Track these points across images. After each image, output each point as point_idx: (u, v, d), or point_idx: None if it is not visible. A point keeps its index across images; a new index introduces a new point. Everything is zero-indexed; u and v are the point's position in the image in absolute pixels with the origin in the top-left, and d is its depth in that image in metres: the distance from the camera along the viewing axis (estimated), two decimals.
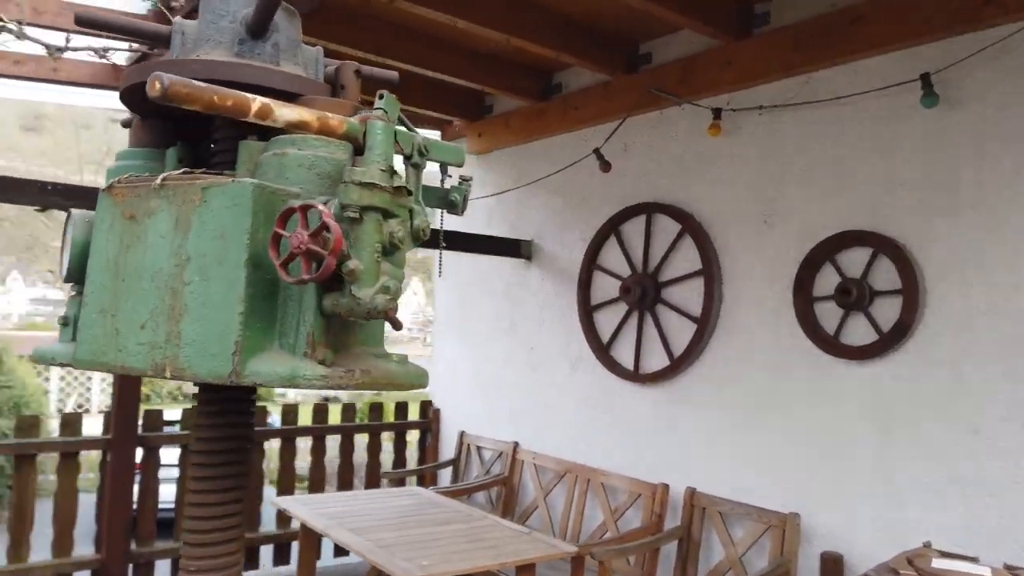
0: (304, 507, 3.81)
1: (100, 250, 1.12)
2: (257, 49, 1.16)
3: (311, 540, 3.97)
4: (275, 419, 5.36)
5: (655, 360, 4.26)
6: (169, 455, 4.96)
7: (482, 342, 5.49)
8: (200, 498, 1.18)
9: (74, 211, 1.15)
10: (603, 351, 4.54)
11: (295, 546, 4.85)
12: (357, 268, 1.00)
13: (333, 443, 5.41)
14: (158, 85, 0.75)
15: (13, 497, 4.15)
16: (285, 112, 0.88)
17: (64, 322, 1.21)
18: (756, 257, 3.82)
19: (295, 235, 0.95)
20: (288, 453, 5.05)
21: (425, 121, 5.77)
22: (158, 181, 1.07)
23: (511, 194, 5.29)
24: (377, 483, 5.29)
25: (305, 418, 5.20)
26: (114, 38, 3.71)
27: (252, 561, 4.80)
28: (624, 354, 4.46)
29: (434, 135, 6.03)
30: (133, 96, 1.16)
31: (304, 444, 5.25)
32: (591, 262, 4.69)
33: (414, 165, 1.13)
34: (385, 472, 5.26)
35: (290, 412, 5.12)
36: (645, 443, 4.26)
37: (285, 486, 4.99)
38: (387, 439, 6.07)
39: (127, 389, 4.44)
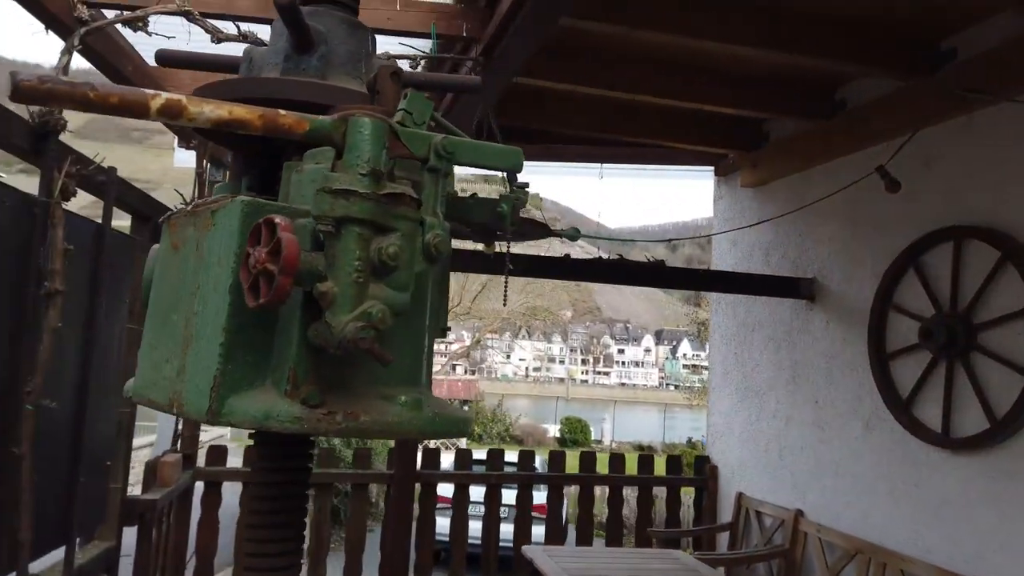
0: (548, 559, 3.68)
1: (156, 282, 1.12)
2: (303, 64, 1.10)
3: None
4: (541, 463, 5.37)
5: (970, 421, 3.40)
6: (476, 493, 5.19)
7: (761, 394, 4.93)
8: (252, 545, 1.11)
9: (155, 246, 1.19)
10: (902, 408, 3.76)
11: None
12: (330, 291, 0.85)
13: (602, 493, 5.23)
14: (9, 82, 0.69)
15: (312, 519, 4.66)
16: (206, 110, 0.77)
17: None
18: None
19: (255, 252, 0.84)
20: (555, 499, 5.00)
21: (694, 158, 5.47)
22: (189, 207, 1.05)
23: (792, 227, 4.73)
24: (647, 540, 4.97)
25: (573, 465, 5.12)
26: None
27: None
28: (929, 413, 3.64)
29: (706, 172, 5.69)
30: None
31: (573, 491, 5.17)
32: (884, 301, 3.96)
33: (431, 170, 0.96)
34: (654, 530, 4.93)
35: (557, 458, 5.09)
36: (960, 526, 3.39)
37: (550, 535, 4.92)
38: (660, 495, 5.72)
39: None
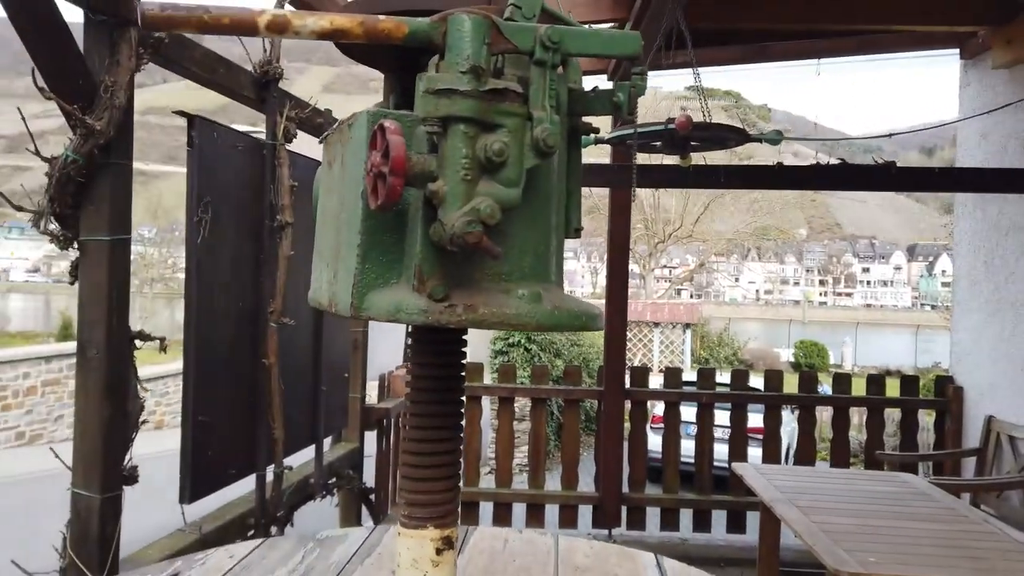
0: (760, 476, 3.59)
1: (319, 198, 1.24)
2: None
3: (772, 515, 3.71)
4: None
5: None
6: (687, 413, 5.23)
7: (1017, 307, 4.31)
8: (414, 434, 1.22)
9: None
10: None
11: (750, 516, 4.65)
12: (440, 189, 0.89)
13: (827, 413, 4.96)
14: (137, 14, 0.79)
15: (531, 432, 4.93)
16: (309, 22, 0.82)
17: None
18: None
19: (371, 156, 0.90)
20: (772, 420, 4.83)
21: (932, 41, 4.77)
22: (336, 125, 1.13)
23: None
24: (877, 466, 4.65)
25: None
26: None
27: (704, 524, 4.79)
28: None
29: (952, 54, 4.95)
30: (347, 48, 1.23)
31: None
32: None
33: (538, 63, 0.94)
34: (885, 454, 4.59)
35: (773, 377, 4.89)
36: None
37: (767, 457, 4.78)
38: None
39: (614, 349, 4.83)
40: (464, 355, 1.23)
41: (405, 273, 0.99)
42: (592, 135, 1.30)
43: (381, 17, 0.87)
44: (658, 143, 3.37)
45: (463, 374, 1.23)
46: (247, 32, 0.80)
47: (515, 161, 0.91)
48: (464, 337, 1.23)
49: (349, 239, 1.01)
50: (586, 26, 1.00)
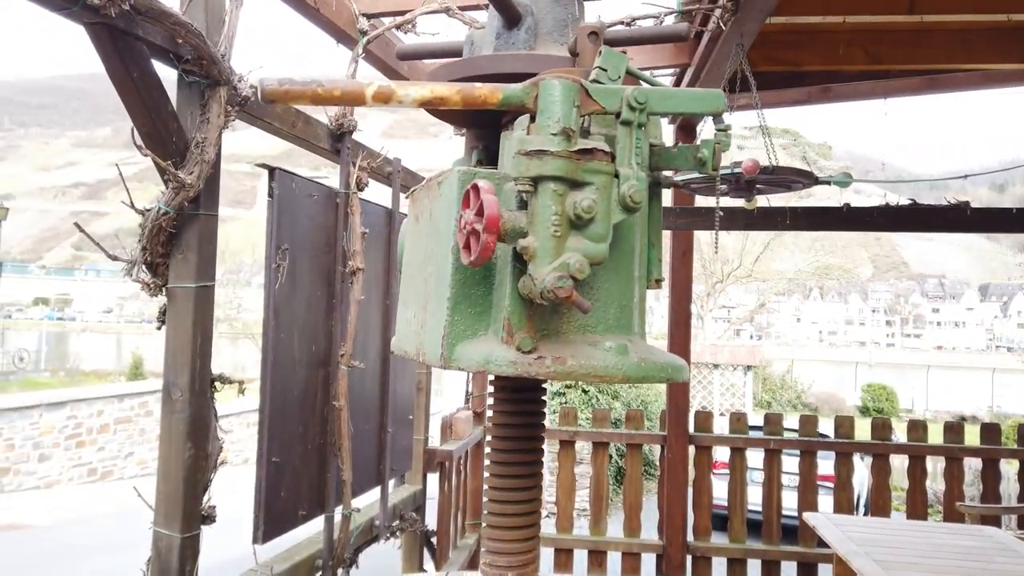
0: (834, 527, 3.47)
1: (406, 250, 1.29)
2: (512, 39, 1.17)
3: (846, 569, 3.58)
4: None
5: None
6: (755, 459, 5.10)
7: None
8: (496, 482, 1.23)
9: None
10: None
11: (822, 568, 4.48)
12: (531, 245, 0.92)
13: (900, 462, 4.77)
14: (256, 90, 0.84)
15: (592, 476, 4.88)
16: (412, 91, 0.87)
17: None
18: None
19: (464, 214, 0.94)
20: (843, 467, 4.67)
21: (1012, 77, 4.66)
22: (424, 182, 1.18)
23: None
24: (958, 518, 4.44)
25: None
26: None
27: (773, 573, 4.62)
28: None
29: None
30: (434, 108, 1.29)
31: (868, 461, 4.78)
32: None
33: (625, 123, 0.97)
34: (966, 505, 4.38)
35: (844, 423, 4.74)
36: None
37: (838, 506, 4.62)
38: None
39: (678, 392, 4.77)
40: (544, 404, 1.25)
41: (493, 325, 1.02)
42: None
43: (477, 85, 0.91)
44: (724, 186, 3.36)
45: (543, 424, 1.25)
46: (356, 102, 0.86)
47: (603, 217, 0.94)
48: (545, 387, 1.25)
49: (438, 291, 1.05)
50: (668, 85, 1.03)
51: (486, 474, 1.24)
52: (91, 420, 10.27)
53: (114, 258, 2.25)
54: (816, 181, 3.26)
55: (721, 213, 3.33)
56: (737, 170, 3.01)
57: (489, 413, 1.28)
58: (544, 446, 1.28)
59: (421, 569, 3.96)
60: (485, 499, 1.24)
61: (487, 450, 1.25)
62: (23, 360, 20.56)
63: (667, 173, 1.15)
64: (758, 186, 3.36)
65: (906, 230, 4.29)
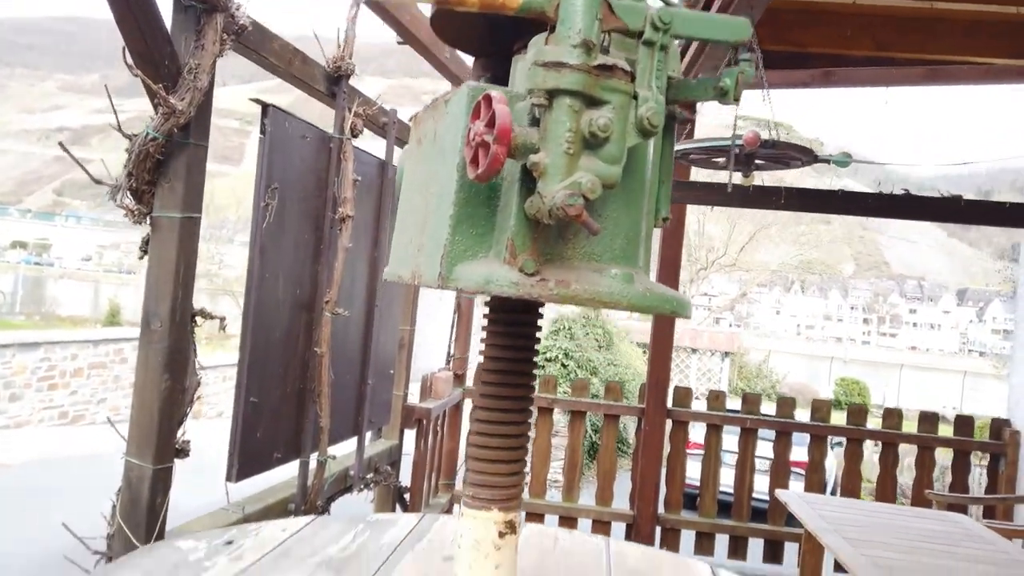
0: (805, 505, 3.50)
1: (405, 177, 1.25)
2: None
3: (814, 546, 3.62)
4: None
5: None
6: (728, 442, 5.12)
7: None
8: (484, 415, 1.21)
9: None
10: None
11: (788, 547, 4.54)
12: (542, 161, 0.89)
13: (872, 451, 4.82)
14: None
15: (568, 444, 4.89)
16: None
17: None
18: None
19: (473, 127, 0.90)
20: (817, 451, 4.72)
21: (1016, 73, 4.64)
22: (430, 103, 1.14)
23: None
24: (926, 504, 4.50)
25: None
26: None
27: (740, 552, 4.67)
28: None
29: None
30: (442, 29, 1.24)
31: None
32: None
33: (647, 43, 0.94)
34: (935, 493, 4.44)
35: (821, 408, 4.78)
36: None
37: (811, 486, 4.67)
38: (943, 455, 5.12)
39: (659, 367, 4.78)
40: (538, 339, 1.23)
41: (495, 247, 0.99)
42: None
43: None
44: (721, 159, 3.34)
45: (535, 359, 1.22)
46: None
47: (618, 138, 0.91)
48: (540, 320, 1.22)
49: (440, 211, 1.01)
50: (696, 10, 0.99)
51: (479, 391, 1.21)
52: (65, 363, 10.15)
53: (98, 182, 2.18)
54: (816, 159, 3.24)
55: (735, 177, 3.28)
56: (738, 142, 2.99)
57: (478, 357, 1.25)
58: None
59: None
60: (471, 431, 1.21)
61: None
62: None
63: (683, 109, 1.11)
64: (757, 161, 3.34)
65: (899, 217, 4.29)
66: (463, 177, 0.97)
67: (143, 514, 2.10)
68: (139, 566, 1.30)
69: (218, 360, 11.87)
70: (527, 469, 1.32)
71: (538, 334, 1.21)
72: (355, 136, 3.10)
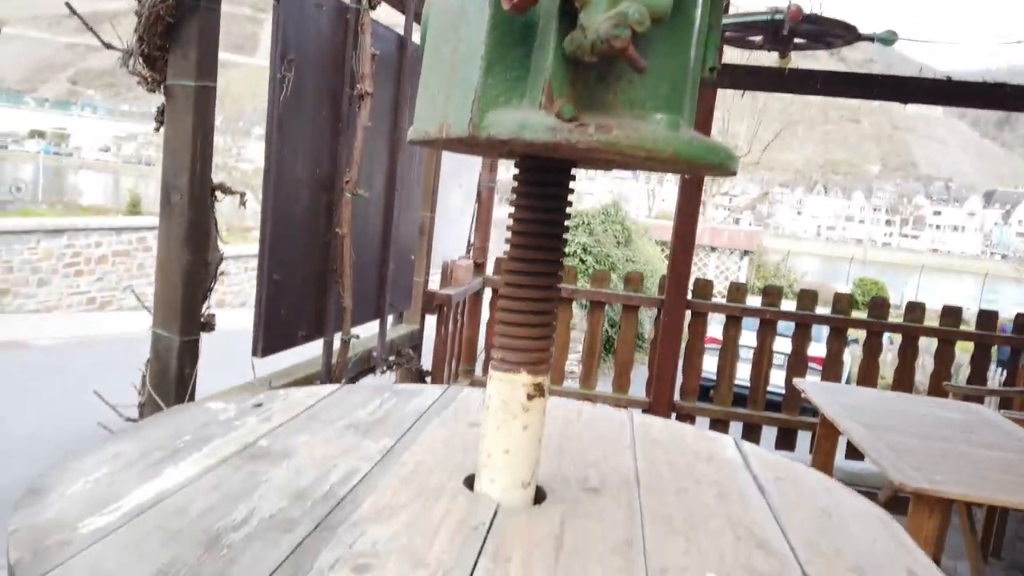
0: (822, 392, 3.52)
1: (431, 26, 1.16)
2: None
3: (829, 432, 3.67)
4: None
5: None
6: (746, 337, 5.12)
7: None
8: (512, 278, 1.18)
9: None
10: None
11: (801, 437, 4.61)
12: None
13: (888, 350, 4.82)
14: None
15: (587, 333, 4.93)
16: None
17: None
18: None
19: None
20: (836, 344, 4.73)
21: None
22: None
23: None
24: (943, 395, 4.53)
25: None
26: None
27: (753, 439, 4.77)
28: None
29: None
30: None
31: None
32: None
33: None
34: (952, 385, 4.47)
35: (842, 300, 4.75)
36: None
37: (828, 378, 4.70)
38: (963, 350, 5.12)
39: (680, 259, 4.73)
40: (570, 202, 1.18)
41: (530, 93, 0.92)
42: None
43: None
44: (758, 38, 3.17)
45: (566, 220, 1.17)
46: None
47: None
48: (573, 174, 1.17)
49: (471, 54, 0.94)
50: None
51: (502, 271, 1.18)
52: (89, 251, 10.29)
53: (108, 46, 2.10)
54: (859, 37, 3.06)
55: (787, 60, 3.11)
56: (779, 16, 2.82)
57: (508, 218, 1.20)
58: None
59: None
60: (500, 295, 1.18)
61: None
62: (20, 191, 20.38)
63: None
64: (796, 40, 3.16)
65: (939, 103, 4.11)
66: (497, 10, 0.89)
67: (172, 384, 2.14)
68: (169, 424, 1.32)
69: (240, 251, 11.97)
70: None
71: (570, 196, 1.16)
72: (373, 8, 2.96)
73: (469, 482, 1.21)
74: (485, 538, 1.01)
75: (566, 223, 1.17)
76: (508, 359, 1.16)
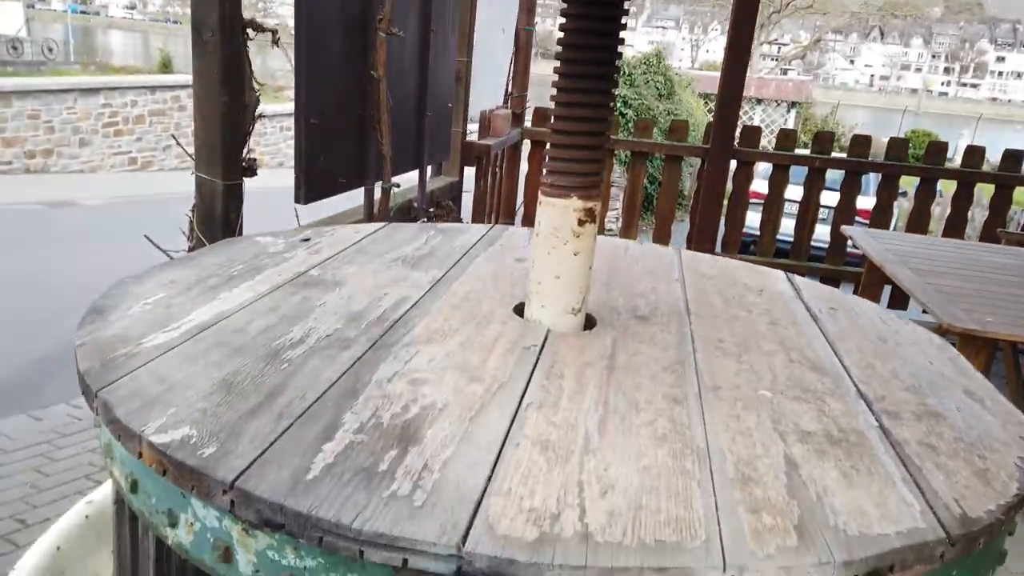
0: (872, 240, 3.45)
1: None
2: None
3: (874, 279, 3.62)
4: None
5: None
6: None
7: None
8: (564, 97, 1.12)
9: None
10: None
11: (843, 287, 4.57)
12: None
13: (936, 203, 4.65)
14: None
15: (628, 184, 4.84)
16: None
17: None
18: None
19: None
20: (887, 191, 4.57)
21: None
22: None
23: None
24: (995, 241, 4.41)
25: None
26: None
27: None
28: None
29: None
30: None
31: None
32: None
33: None
34: (1006, 232, 4.33)
35: (896, 146, 4.55)
36: None
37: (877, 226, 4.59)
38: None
39: (727, 106, 4.52)
40: (623, 24, 1.10)
41: None
42: None
43: None
44: None
45: (619, 45, 1.10)
46: None
47: None
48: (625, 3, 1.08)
49: None
50: None
51: (553, 91, 1.12)
52: (126, 110, 10.25)
53: None
54: None
55: None
56: None
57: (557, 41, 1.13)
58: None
59: None
60: (553, 120, 1.13)
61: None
62: (52, 51, 20.10)
63: None
64: None
65: None
66: None
67: (219, 227, 2.16)
68: (221, 254, 1.33)
69: (275, 110, 11.83)
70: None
71: (623, 19, 1.08)
72: None
73: (519, 310, 1.21)
74: (538, 357, 1.02)
75: (622, 36, 1.10)
76: (559, 183, 1.13)
